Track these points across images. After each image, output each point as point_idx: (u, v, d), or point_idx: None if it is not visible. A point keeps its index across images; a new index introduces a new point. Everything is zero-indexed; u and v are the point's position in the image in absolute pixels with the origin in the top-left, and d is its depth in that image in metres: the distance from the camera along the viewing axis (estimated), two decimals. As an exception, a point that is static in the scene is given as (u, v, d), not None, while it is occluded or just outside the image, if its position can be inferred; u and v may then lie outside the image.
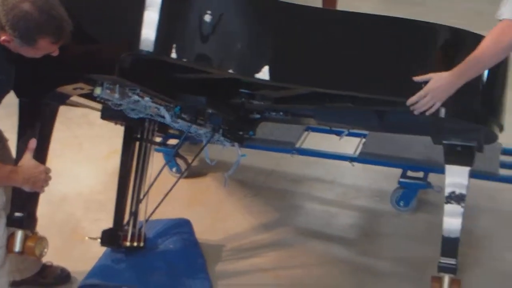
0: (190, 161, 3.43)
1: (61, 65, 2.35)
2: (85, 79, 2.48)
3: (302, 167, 3.91)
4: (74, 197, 3.66)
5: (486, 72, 2.55)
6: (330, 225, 3.42)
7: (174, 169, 3.78)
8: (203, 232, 3.28)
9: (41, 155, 2.54)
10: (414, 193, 3.42)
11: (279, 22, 2.43)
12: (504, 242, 3.20)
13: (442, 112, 2.48)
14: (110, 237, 2.98)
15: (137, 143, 3.04)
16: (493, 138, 2.80)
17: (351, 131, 3.71)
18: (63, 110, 2.76)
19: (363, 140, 3.64)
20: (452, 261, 2.67)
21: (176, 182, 3.01)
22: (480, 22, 6.25)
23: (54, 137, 2.69)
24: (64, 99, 2.72)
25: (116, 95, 2.50)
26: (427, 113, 2.37)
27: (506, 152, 3.49)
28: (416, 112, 2.38)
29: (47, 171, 2.37)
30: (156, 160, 3.18)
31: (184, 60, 2.33)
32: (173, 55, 2.31)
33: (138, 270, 2.94)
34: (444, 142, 2.68)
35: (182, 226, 3.24)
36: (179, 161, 3.78)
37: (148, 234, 3.08)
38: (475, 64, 2.33)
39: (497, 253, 3.13)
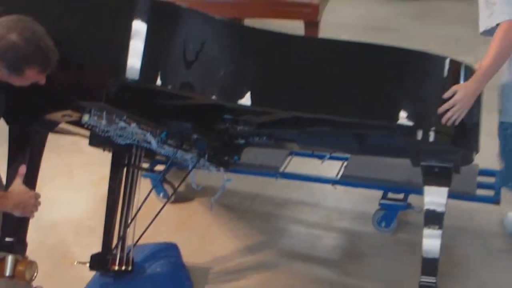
0: (184, 185, 3.51)
1: (50, 92, 2.41)
2: (73, 106, 2.55)
3: (287, 191, 3.98)
4: (64, 223, 3.71)
5: None
6: (314, 247, 3.48)
7: (161, 194, 3.83)
8: (190, 255, 3.33)
9: (31, 181, 2.60)
10: (394, 214, 3.48)
11: (260, 49, 2.52)
12: (481, 261, 3.27)
13: (419, 135, 2.60)
14: (98, 262, 3.03)
15: (125, 169, 3.09)
16: (469, 160, 2.90)
17: (333, 155, 3.79)
18: (53, 138, 2.84)
19: (345, 163, 3.71)
20: (432, 279, 2.77)
21: (163, 206, 3.08)
22: (456, 48, 6.45)
23: (44, 165, 2.76)
24: (53, 126, 2.79)
25: (104, 122, 2.57)
26: (456, 122, 2.55)
27: (483, 173, 3.57)
28: (447, 122, 2.55)
29: (37, 196, 2.41)
30: (144, 185, 3.26)
31: (169, 87, 2.39)
32: (158, 82, 2.36)
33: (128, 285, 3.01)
34: (422, 163, 2.76)
35: (169, 250, 3.28)
36: (166, 186, 3.83)
37: (136, 258, 3.12)
38: (490, 69, 2.58)
39: (474, 272, 3.19)
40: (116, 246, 3.05)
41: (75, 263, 3.09)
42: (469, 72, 2.66)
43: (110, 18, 2.40)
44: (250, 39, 2.53)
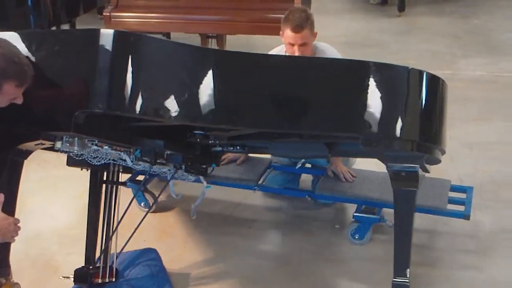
0: (164, 195, 3.56)
1: (20, 124, 2.50)
2: (44, 135, 2.63)
3: (268, 200, 4.08)
4: (48, 233, 3.77)
5: (423, 103, 2.75)
6: (293, 253, 3.56)
7: (142, 204, 3.90)
8: (171, 262, 3.41)
9: (9, 207, 2.68)
10: (368, 227, 3.53)
11: (220, 69, 2.56)
12: (455, 263, 3.36)
13: (383, 144, 2.67)
14: (82, 276, 3.08)
15: (103, 185, 3.16)
16: (436, 162, 2.99)
17: (311, 169, 3.93)
18: (39, 152, 2.92)
19: (321, 177, 3.80)
20: (405, 280, 2.86)
21: (145, 216, 3.15)
22: (436, 62, 6.59)
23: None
24: (27, 154, 2.88)
25: (76, 147, 2.64)
26: None
27: (454, 189, 3.66)
28: None
29: (16, 222, 2.46)
30: (127, 194, 3.34)
31: (135, 113, 2.43)
32: (124, 109, 2.43)
33: None
34: (389, 169, 2.82)
35: (149, 255, 3.34)
36: (147, 196, 3.91)
37: (117, 267, 3.19)
38: None
39: (450, 273, 3.28)
40: (99, 259, 3.11)
41: (60, 278, 3.16)
42: (431, 80, 2.75)
43: (77, 52, 2.48)
44: (210, 60, 2.57)
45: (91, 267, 3.11)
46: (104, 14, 5.65)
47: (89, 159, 2.83)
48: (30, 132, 2.60)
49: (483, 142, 4.76)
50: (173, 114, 2.49)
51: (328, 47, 3.64)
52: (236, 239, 3.68)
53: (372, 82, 2.62)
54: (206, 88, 2.53)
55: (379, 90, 2.63)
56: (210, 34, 5.81)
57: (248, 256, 3.52)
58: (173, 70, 2.53)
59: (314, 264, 3.43)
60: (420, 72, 2.74)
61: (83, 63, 2.46)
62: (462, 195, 3.63)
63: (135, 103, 2.43)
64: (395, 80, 2.70)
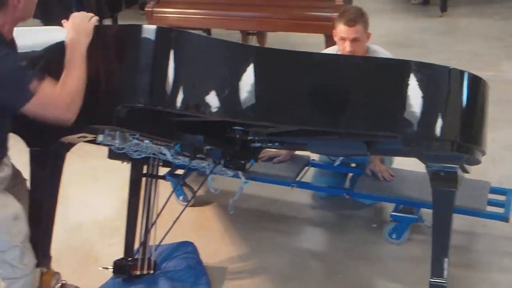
0: (202, 189, 3.60)
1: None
2: (86, 129, 2.68)
3: (306, 198, 4.10)
4: (89, 224, 3.86)
5: (464, 103, 2.72)
6: (331, 249, 3.60)
7: (181, 198, 3.96)
8: (209, 256, 3.45)
9: (52, 199, 2.79)
10: (406, 227, 3.52)
11: (262, 66, 2.57)
12: (494, 265, 3.35)
13: (422, 144, 2.66)
14: (121, 267, 3.15)
15: (143, 179, 3.22)
16: (476, 162, 2.96)
17: (350, 168, 3.93)
18: (81, 144, 2.98)
19: (360, 176, 3.79)
20: (442, 280, 2.83)
21: (183, 210, 3.16)
22: (478, 63, 6.52)
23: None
24: (70, 147, 2.93)
25: (117, 141, 2.66)
26: None
27: (494, 191, 3.63)
28: None
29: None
30: (166, 187, 3.38)
31: (176, 108, 2.47)
32: (166, 104, 2.46)
33: (147, 285, 3.12)
34: (428, 169, 2.80)
35: (186, 248, 3.40)
36: (186, 190, 3.96)
37: (155, 259, 3.26)
38: None
39: (488, 275, 3.27)
40: (138, 251, 3.17)
41: (99, 268, 3.21)
42: (472, 80, 2.73)
43: (119, 47, 2.53)
44: (251, 56, 2.57)
45: (130, 259, 3.18)
46: (146, 9, 5.72)
47: (130, 152, 2.88)
48: (73, 125, 2.61)
49: (525, 144, 4.71)
50: (214, 110, 2.51)
51: (382, 49, 3.63)
52: (273, 235, 3.71)
53: (412, 82, 2.60)
54: (247, 85, 2.54)
55: (419, 89, 2.61)
56: (251, 31, 5.84)
57: (284, 253, 3.54)
58: (214, 66, 2.55)
59: (350, 263, 3.44)
60: (461, 72, 2.71)
61: (125, 58, 2.50)
62: (502, 197, 3.60)
63: (176, 99, 2.46)
64: (436, 79, 2.67)
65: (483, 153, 2.92)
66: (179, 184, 3.86)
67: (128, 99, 2.44)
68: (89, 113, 2.50)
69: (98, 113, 2.53)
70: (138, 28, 2.46)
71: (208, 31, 7.34)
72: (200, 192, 3.89)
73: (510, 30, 7.77)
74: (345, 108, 2.65)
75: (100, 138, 2.66)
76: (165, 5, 5.64)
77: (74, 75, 2.41)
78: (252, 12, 5.41)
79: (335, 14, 4.88)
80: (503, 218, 3.39)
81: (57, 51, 2.60)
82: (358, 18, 3.46)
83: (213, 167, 3.13)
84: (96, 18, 2.59)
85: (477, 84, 2.79)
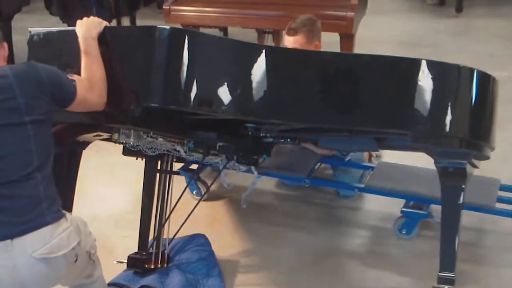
0: (216, 185, 3.65)
1: (80, 116, 2.60)
2: (102, 127, 2.76)
3: (317, 193, 4.14)
4: (104, 217, 3.92)
5: (474, 100, 2.78)
6: (340, 244, 3.64)
7: (195, 192, 4.01)
8: (221, 249, 3.51)
9: (69, 195, 2.86)
10: (415, 222, 3.56)
11: (273, 66, 2.63)
12: (502, 261, 3.38)
13: (431, 140, 2.76)
14: (135, 261, 3.20)
15: (157, 175, 3.28)
16: (485, 158, 3.00)
17: (360, 164, 3.99)
18: (97, 140, 3.07)
19: (371, 172, 3.86)
20: (450, 274, 2.90)
21: (197, 204, 3.26)
22: (491, 63, 6.51)
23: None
24: (85, 145, 3.02)
25: (132, 139, 2.78)
26: None
27: (503, 188, 3.66)
28: None
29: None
30: (180, 182, 3.43)
31: (189, 107, 2.56)
32: (178, 104, 2.55)
33: (159, 275, 3.17)
34: (436, 164, 2.87)
35: (198, 240, 3.45)
36: (200, 185, 4.00)
37: (168, 252, 3.32)
38: None
39: (496, 271, 3.30)
40: (152, 245, 3.23)
41: (114, 262, 3.28)
42: (481, 78, 2.78)
43: (134, 48, 2.59)
44: (261, 56, 2.63)
45: (144, 253, 3.23)
46: (163, 7, 5.78)
47: (145, 149, 2.95)
48: (89, 124, 2.71)
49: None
50: (226, 108, 2.58)
51: None
52: (284, 230, 3.76)
53: (422, 80, 2.66)
54: (258, 84, 2.61)
55: (429, 87, 2.67)
56: (267, 30, 5.88)
57: (295, 247, 3.59)
58: (226, 65, 2.62)
59: (360, 257, 3.49)
60: (471, 70, 2.77)
61: (139, 58, 2.57)
62: (511, 195, 3.63)
63: (190, 98, 2.53)
64: (445, 77, 2.73)
65: (492, 149, 2.96)
66: (193, 179, 3.91)
67: (143, 99, 2.52)
68: (106, 113, 2.57)
69: (113, 113, 2.59)
70: (153, 29, 2.53)
71: (225, 29, 7.40)
72: (213, 187, 3.94)
73: (525, 31, 7.77)
74: (355, 106, 2.72)
75: (115, 136, 2.78)
76: (183, 3, 5.69)
77: (95, 65, 2.50)
78: (268, 10, 5.46)
79: (350, 13, 4.95)
80: (512, 215, 3.42)
81: (65, 43, 2.70)
82: (299, 28, 3.51)
83: (226, 162, 3.19)
84: (105, 22, 2.65)
85: (486, 82, 2.85)
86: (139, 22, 7.40)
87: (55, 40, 2.87)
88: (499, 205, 3.51)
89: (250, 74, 2.61)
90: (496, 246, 3.51)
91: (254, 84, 2.61)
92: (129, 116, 2.56)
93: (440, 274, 2.91)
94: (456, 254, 2.92)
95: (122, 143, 2.93)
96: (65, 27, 2.87)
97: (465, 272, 3.21)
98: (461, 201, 2.89)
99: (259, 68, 2.61)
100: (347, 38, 5.13)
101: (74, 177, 3.01)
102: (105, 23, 2.63)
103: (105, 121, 2.68)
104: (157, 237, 3.24)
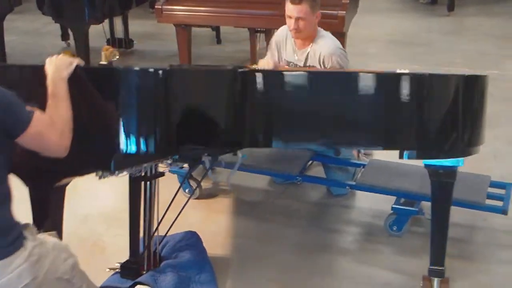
0: (209, 183, 3.64)
1: (64, 165, 2.45)
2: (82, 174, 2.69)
3: (309, 190, 4.17)
4: (96, 215, 3.93)
5: (472, 109, 2.83)
6: (333, 241, 3.66)
7: (187, 190, 4.00)
8: (214, 247, 3.50)
9: (57, 226, 2.81)
10: (406, 219, 3.58)
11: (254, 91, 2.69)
12: (492, 257, 3.41)
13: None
14: (128, 270, 3.14)
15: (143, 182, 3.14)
16: (474, 152, 2.97)
17: (351, 161, 4.03)
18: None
19: (362, 169, 3.89)
20: (440, 267, 2.99)
21: (187, 201, 3.21)
22: (483, 62, 6.55)
23: None
24: (68, 183, 2.93)
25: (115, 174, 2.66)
26: None
27: (493, 185, 3.69)
28: None
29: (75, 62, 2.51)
30: (171, 179, 3.42)
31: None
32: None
33: (152, 272, 3.13)
34: (427, 167, 2.92)
35: (190, 238, 3.44)
36: (192, 183, 4.00)
37: (160, 251, 3.28)
38: None
39: (487, 267, 3.33)
40: (143, 253, 3.14)
41: (106, 270, 3.22)
42: (467, 84, 2.80)
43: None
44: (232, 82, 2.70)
45: (136, 261, 3.15)
46: (156, 7, 5.79)
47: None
48: (75, 170, 2.65)
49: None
50: None
51: (331, 36, 3.75)
52: (277, 228, 3.78)
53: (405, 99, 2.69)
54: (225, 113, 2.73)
55: (417, 106, 2.72)
56: (259, 29, 5.89)
57: (288, 244, 3.60)
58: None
59: (351, 254, 3.51)
60: (457, 77, 2.81)
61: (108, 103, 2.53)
62: (502, 191, 3.66)
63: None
64: (441, 91, 2.78)
65: (481, 143, 2.97)
66: (185, 178, 3.90)
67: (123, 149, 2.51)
68: (86, 161, 2.55)
69: (95, 160, 2.57)
70: (119, 72, 2.60)
71: (217, 28, 7.41)
72: (207, 185, 3.94)
73: (517, 29, 7.81)
74: (351, 128, 2.77)
75: (98, 174, 2.64)
76: (174, 2, 5.71)
77: (61, 106, 2.35)
78: (260, 10, 5.47)
79: (342, 12, 4.96)
80: (502, 211, 3.45)
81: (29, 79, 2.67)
82: None
83: (211, 163, 3.19)
84: (78, 60, 2.55)
85: (480, 85, 2.88)
86: (131, 22, 7.42)
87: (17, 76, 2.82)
88: (489, 202, 3.54)
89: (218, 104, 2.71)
90: (486, 243, 3.54)
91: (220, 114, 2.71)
92: (112, 162, 2.52)
93: (430, 267, 3.01)
94: (445, 250, 2.99)
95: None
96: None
97: (456, 268, 3.24)
98: (450, 195, 2.93)
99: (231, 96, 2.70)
100: (339, 36, 5.13)
101: (60, 212, 2.93)
102: (76, 63, 2.51)
103: (89, 170, 2.62)
104: (148, 246, 3.14)
